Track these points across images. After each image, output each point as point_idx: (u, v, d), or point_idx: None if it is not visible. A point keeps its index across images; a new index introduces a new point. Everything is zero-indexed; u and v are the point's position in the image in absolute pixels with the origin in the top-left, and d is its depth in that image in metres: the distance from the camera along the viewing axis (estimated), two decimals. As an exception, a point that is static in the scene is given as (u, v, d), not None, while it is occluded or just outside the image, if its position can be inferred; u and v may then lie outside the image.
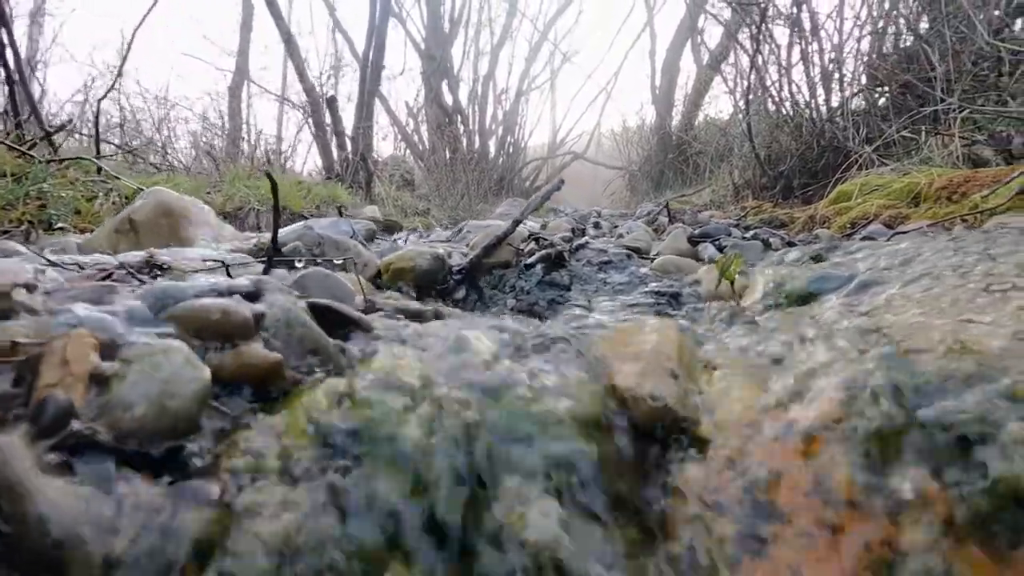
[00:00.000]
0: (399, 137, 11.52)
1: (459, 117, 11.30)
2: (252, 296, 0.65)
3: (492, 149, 11.99)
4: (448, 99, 11.29)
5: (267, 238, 1.84)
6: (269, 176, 1.08)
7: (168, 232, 1.83)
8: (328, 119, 8.49)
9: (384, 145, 12.26)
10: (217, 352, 0.54)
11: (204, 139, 9.63)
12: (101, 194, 3.14)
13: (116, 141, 6.74)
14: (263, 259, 1.51)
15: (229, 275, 1.32)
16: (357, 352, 0.65)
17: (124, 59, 3.77)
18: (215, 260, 1.27)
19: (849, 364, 0.63)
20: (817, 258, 1.67)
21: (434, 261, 1.63)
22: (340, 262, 1.43)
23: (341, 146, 8.39)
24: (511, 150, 12.12)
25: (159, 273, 1.23)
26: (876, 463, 0.50)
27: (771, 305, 1.16)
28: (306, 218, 2.90)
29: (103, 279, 0.93)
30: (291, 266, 1.30)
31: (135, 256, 1.27)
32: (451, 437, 0.52)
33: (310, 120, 8.93)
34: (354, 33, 11.40)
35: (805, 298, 1.14)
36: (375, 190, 7.69)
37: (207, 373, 0.50)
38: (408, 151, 11.45)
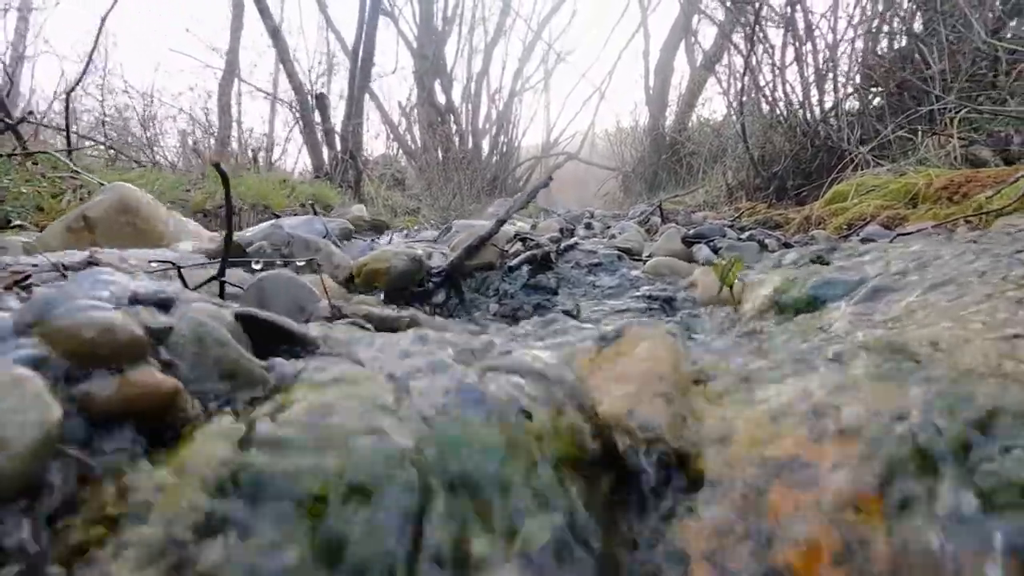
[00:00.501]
0: (391, 136, 11.38)
1: (452, 116, 11.18)
2: (163, 306, 0.54)
3: (485, 148, 11.87)
4: (441, 98, 11.17)
5: (236, 237, 1.72)
6: (218, 167, 0.96)
7: (128, 230, 1.71)
8: (317, 117, 8.34)
9: (376, 144, 12.12)
10: (94, 380, 0.43)
11: (192, 137, 9.46)
12: (69, 191, 2.99)
13: (100, 138, 6.55)
14: (235, 260, 1.39)
15: (181, 277, 1.20)
16: (291, 376, 0.54)
17: (93, 49, 3.61)
18: (165, 261, 1.15)
19: (876, 388, 0.53)
20: (818, 260, 1.58)
21: (411, 262, 1.52)
22: (303, 263, 1.32)
23: (330, 144, 8.24)
24: (504, 150, 12.00)
25: (99, 275, 1.11)
26: (921, 522, 0.39)
27: (774, 312, 1.06)
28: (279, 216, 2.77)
29: (16, 283, 0.81)
30: (249, 268, 1.19)
31: (75, 256, 1.15)
32: (396, 491, 0.42)
33: (299, 117, 8.77)
34: (346, 31, 11.26)
35: (810, 304, 1.05)
36: (364, 189, 7.55)
37: (57, 414, 0.38)
38: (400, 150, 11.31)
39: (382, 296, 1.51)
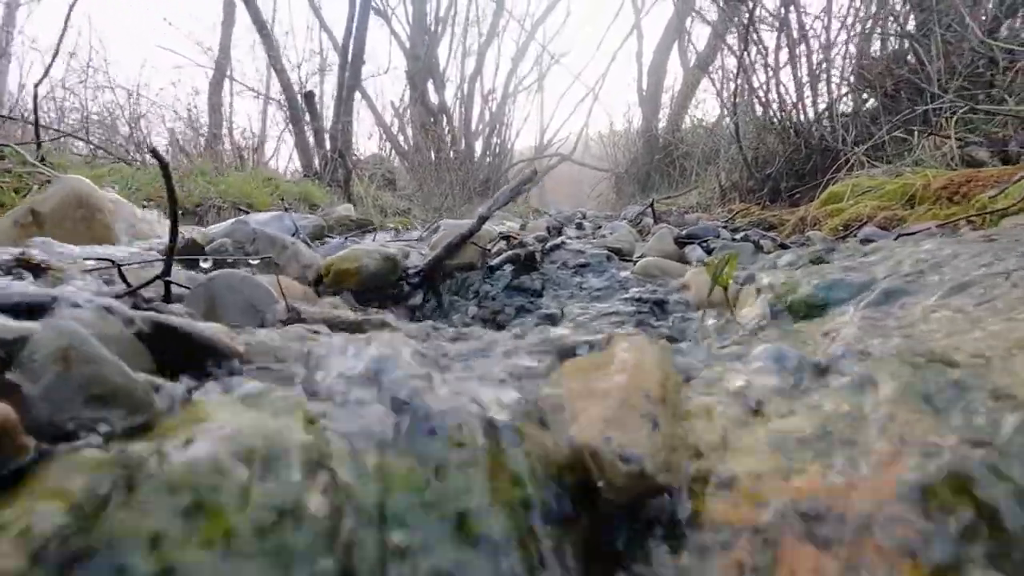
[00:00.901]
0: (383, 136, 11.26)
1: (445, 117, 11.07)
2: (36, 311, 0.44)
3: (478, 150, 11.77)
4: (434, 99, 11.06)
5: (198, 233, 1.61)
6: (155, 154, 0.86)
7: (80, 226, 1.59)
8: (306, 116, 8.20)
9: (369, 144, 11.99)
10: None
11: (180, 135, 9.30)
12: (36, 186, 2.86)
13: (86, 136, 6.37)
14: (182, 257, 1.28)
15: (122, 276, 1.09)
16: (188, 400, 0.43)
17: (61, 37, 3.47)
18: (103, 258, 1.04)
19: (907, 414, 0.43)
20: (817, 261, 1.50)
21: (384, 262, 1.41)
22: (257, 261, 1.21)
23: (320, 143, 8.11)
24: (497, 151, 11.90)
25: (26, 274, 1.00)
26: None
27: (774, 316, 0.97)
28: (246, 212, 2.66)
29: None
30: (198, 266, 1.08)
31: (4, 254, 1.04)
32: (305, 557, 0.31)
33: (288, 115, 8.63)
34: (339, 30, 11.12)
35: (814, 308, 0.96)
36: (354, 189, 7.42)
37: None
38: (392, 150, 11.18)
39: (352, 298, 1.41)
